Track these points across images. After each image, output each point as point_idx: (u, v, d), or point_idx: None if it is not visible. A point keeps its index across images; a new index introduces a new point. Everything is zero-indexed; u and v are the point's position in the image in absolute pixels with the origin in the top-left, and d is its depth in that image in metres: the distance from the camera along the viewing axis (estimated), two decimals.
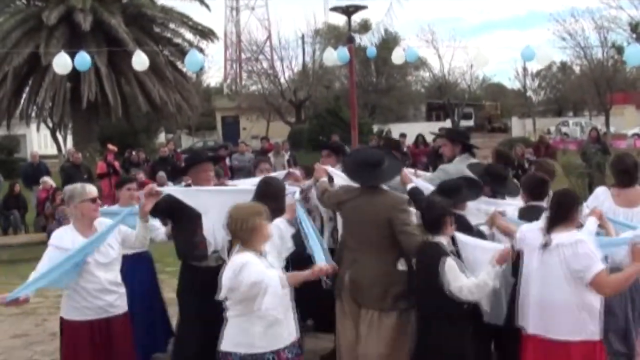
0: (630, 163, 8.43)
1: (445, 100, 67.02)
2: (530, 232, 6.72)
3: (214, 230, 7.80)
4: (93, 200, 7.46)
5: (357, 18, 43.31)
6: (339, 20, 54.74)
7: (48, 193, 21.04)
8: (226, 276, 6.03)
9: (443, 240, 6.85)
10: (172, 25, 42.48)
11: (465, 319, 6.78)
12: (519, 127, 69.13)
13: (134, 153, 27.63)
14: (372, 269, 7.38)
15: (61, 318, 7.60)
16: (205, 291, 7.12)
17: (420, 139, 27.41)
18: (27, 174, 25.39)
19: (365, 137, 32.84)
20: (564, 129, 62.46)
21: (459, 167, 8.96)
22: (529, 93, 76.91)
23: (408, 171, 8.87)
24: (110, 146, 25.81)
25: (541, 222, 6.66)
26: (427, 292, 6.79)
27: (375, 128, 48.58)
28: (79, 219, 7.41)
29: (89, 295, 7.33)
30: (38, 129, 45.70)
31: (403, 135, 28.75)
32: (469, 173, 8.61)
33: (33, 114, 41.09)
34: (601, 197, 8.35)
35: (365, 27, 53.31)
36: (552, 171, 8.96)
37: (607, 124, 57.59)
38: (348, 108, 28.81)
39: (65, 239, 7.38)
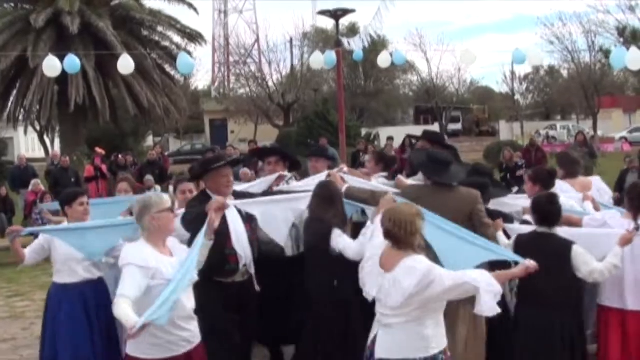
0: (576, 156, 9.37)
1: (434, 104, 67.13)
2: (613, 220, 7.48)
3: (242, 243, 7.63)
4: (171, 210, 6.40)
5: (345, 22, 43.38)
6: (327, 23, 54.98)
7: (36, 196, 20.96)
8: (410, 283, 5.51)
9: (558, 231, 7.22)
10: (160, 29, 42.53)
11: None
12: (506, 130, 69.24)
13: (120, 156, 27.55)
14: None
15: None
16: (231, 305, 7.35)
17: (407, 142, 27.38)
18: (15, 177, 25.29)
19: (353, 140, 32.81)
20: (551, 133, 62.62)
21: None
22: (517, 96, 77.11)
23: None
24: (97, 149, 25.76)
25: (615, 211, 7.76)
26: (550, 281, 6.89)
27: (364, 131, 48.55)
28: (155, 231, 6.20)
29: (174, 327, 6.04)
30: (26, 132, 45.58)
31: (390, 139, 28.70)
32: None
33: (21, 117, 41.01)
34: (564, 188, 8.75)
35: (353, 30, 53.35)
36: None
37: (594, 127, 57.79)
38: (336, 111, 28.84)
39: (147, 256, 6.04)
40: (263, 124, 59.81)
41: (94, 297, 7.97)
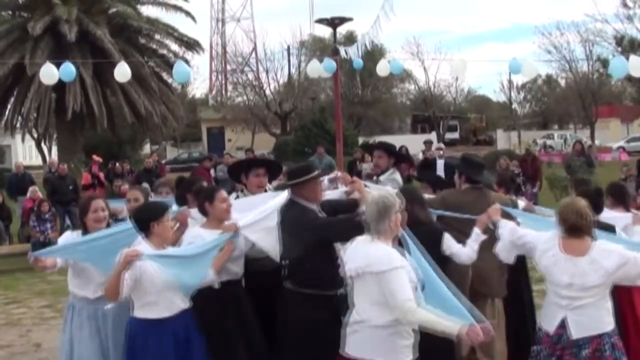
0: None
1: (431, 113, 67.28)
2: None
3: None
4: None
5: (342, 30, 43.47)
6: (325, 32, 54.97)
7: (34, 203, 20.95)
8: (611, 263, 6.25)
9: None
10: (157, 37, 42.52)
11: None
12: (504, 139, 69.35)
13: (117, 164, 27.54)
14: (492, 259, 7.46)
15: None
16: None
17: (403, 152, 27.37)
18: (12, 185, 25.28)
19: (350, 149, 32.84)
20: (548, 142, 62.71)
21: (390, 177, 9.41)
22: (514, 106, 77.23)
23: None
24: (95, 157, 25.74)
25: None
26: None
27: (361, 140, 48.64)
28: (392, 231, 6.03)
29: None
30: (23, 139, 45.66)
31: None
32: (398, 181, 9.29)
33: (18, 125, 41.00)
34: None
35: (350, 39, 53.36)
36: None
37: (592, 137, 57.88)
38: (333, 120, 28.84)
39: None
40: (260, 132, 59.91)
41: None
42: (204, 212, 7.40)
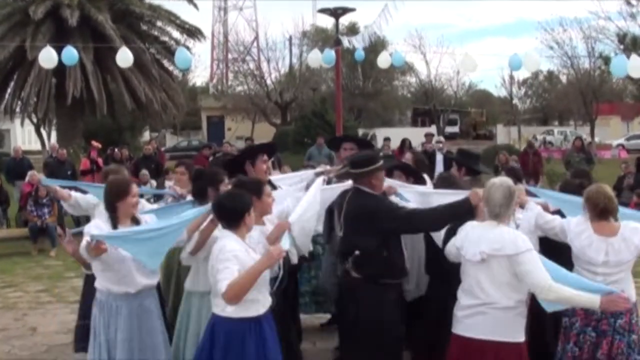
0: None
1: (431, 106, 67.21)
2: None
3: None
4: None
5: (344, 21, 43.40)
6: (327, 22, 55.02)
7: (32, 187, 20.89)
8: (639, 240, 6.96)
9: None
10: (159, 24, 42.46)
11: None
12: (504, 134, 69.38)
13: (117, 150, 27.49)
14: None
15: None
16: None
17: (407, 144, 27.34)
18: (10, 169, 25.22)
19: None
20: (548, 138, 62.71)
21: None
22: (515, 101, 77.17)
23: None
24: (94, 143, 25.67)
25: None
26: None
27: (361, 132, 48.64)
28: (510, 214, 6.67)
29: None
30: (22, 124, 45.49)
31: (387, 140, 28.67)
32: None
33: (18, 109, 40.93)
34: None
35: (353, 30, 53.35)
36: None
37: (592, 134, 57.82)
38: (334, 111, 28.82)
39: None
40: (260, 122, 59.90)
41: None
42: None
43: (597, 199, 6.90)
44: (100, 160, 24.57)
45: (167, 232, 6.61)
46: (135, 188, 7.05)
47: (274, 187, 8.16)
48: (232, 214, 6.26)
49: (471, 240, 6.27)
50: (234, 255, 5.93)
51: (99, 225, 6.79)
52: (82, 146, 36.38)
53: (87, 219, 8.75)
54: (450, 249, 6.66)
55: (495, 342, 6.11)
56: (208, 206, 6.76)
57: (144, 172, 22.04)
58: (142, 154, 27.01)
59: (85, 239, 6.38)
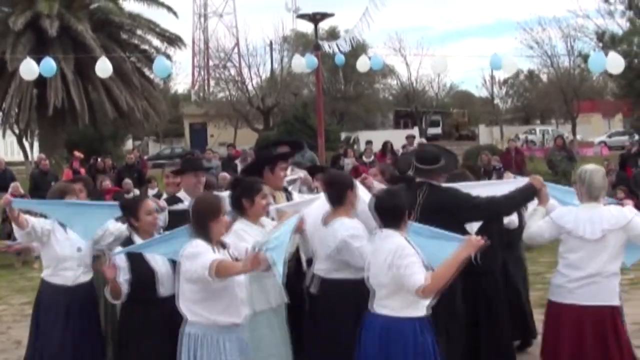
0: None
1: (413, 108, 67.30)
2: None
3: None
4: None
5: (324, 25, 43.51)
6: (307, 27, 54.96)
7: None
8: None
9: None
10: (139, 32, 42.51)
11: None
12: (486, 134, 69.38)
13: (99, 160, 27.48)
14: None
15: None
16: None
17: (388, 147, 27.42)
18: None
19: (333, 144, 32.91)
20: (530, 137, 62.84)
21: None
22: (497, 101, 77.22)
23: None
24: (76, 153, 25.67)
25: None
26: None
27: (343, 135, 48.67)
28: None
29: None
30: (4, 135, 45.34)
31: (369, 143, 28.74)
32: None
33: None
34: None
35: (333, 34, 53.45)
36: None
37: (573, 132, 57.98)
38: (316, 115, 28.91)
39: None
40: (243, 127, 59.78)
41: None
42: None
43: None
44: (82, 170, 24.53)
45: None
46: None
47: (289, 194, 8.31)
48: (394, 212, 6.26)
49: (586, 221, 6.84)
50: (413, 252, 6.06)
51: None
52: (65, 156, 36.32)
53: None
54: (540, 232, 7.13)
55: (609, 307, 6.83)
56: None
57: (127, 181, 22.05)
58: (124, 162, 27.02)
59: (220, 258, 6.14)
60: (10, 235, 19.96)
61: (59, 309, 7.61)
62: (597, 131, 66.39)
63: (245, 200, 7.03)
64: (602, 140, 58.02)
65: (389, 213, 6.24)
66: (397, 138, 35.32)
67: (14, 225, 7.55)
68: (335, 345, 6.89)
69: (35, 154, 40.97)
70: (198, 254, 6.09)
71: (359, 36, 22.54)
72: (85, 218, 7.67)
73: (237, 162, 23.44)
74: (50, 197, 7.98)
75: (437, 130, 73.54)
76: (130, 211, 7.27)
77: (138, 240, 7.09)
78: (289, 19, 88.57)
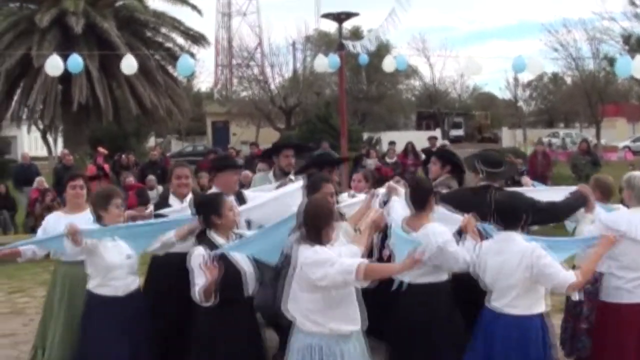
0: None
1: (436, 109, 67.22)
2: None
3: None
4: None
5: (348, 25, 43.45)
6: (331, 27, 54.95)
7: (39, 193, 21.05)
8: None
9: None
10: (163, 30, 42.65)
11: None
12: (509, 137, 69.19)
13: (123, 156, 27.63)
14: None
15: None
16: None
17: (409, 148, 27.38)
18: (18, 175, 25.39)
19: (355, 144, 32.88)
20: (553, 140, 62.58)
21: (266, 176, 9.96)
22: (520, 103, 76.96)
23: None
24: (100, 149, 25.85)
25: None
26: None
27: (365, 136, 48.62)
28: None
29: None
30: (29, 130, 45.66)
31: (392, 144, 28.72)
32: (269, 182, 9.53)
33: (24, 116, 41.11)
34: None
35: (356, 34, 53.39)
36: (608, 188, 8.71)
37: (597, 135, 57.65)
38: (338, 115, 28.92)
39: None
40: (265, 126, 59.82)
41: None
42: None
43: None
44: (106, 167, 24.73)
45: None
46: None
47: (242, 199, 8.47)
48: (515, 213, 6.66)
49: (638, 223, 7.23)
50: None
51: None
52: (89, 152, 36.52)
53: None
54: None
55: None
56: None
57: (151, 177, 22.20)
58: (148, 159, 27.16)
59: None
60: (34, 229, 20.17)
61: (112, 322, 7.34)
62: (622, 135, 65.96)
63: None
64: (626, 145, 57.67)
65: (510, 215, 6.58)
66: (419, 139, 35.33)
67: (66, 241, 7.23)
68: (428, 348, 7.05)
69: (59, 149, 41.20)
70: (326, 260, 5.99)
71: (382, 36, 22.51)
72: (148, 235, 7.66)
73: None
74: (96, 202, 7.71)
75: (460, 132, 73.35)
76: (211, 208, 7.06)
77: (218, 239, 6.94)
78: (312, 19, 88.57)
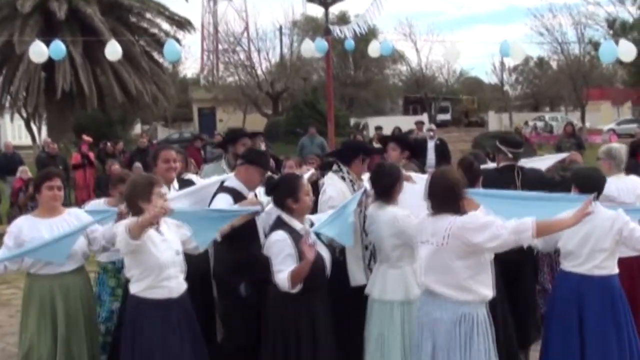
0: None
1: (423, 94, 67.10)
2: None
3: None
4: None
5: (334, 10, 43.33)
6: (317, 12, 54.86)
7: (23, 182, 20.82)
8: None
9: None
10: (148, 15, 42.38)
11: None
12: (495, 121, 69.25)
13: (109, 144, 27.41)
14: None
15: None
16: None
17: (396, 132, 27.24)
18: (1, 165, 25.11)
19: (342, 129, 32.78)
20: (539, 124, 62.63)
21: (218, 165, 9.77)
22: (506, 87, 77.16)
23: None
24: (84, 137, 25.61)
25: None
26: None
27: (352, 121, 48.56)
28: None
29: None
30: (12, 119, 45.37)
31: (379, 129, 28.59)
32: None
33: (7, 104, 40.81)
34: None
35: (343, 19, 53.20)
36: None
37: (582, 119, 57.82)
38: (325, 100, 28.78)
39: None
40: (252, 112, 59.67)
41: None
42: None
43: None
44: (91, 155, 24.52)
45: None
46: None
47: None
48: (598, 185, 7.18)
49: (621, 188, 8.17)
50: None
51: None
52: (73, 140, 36.27)
53: None
54: None
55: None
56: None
57: (137, 164, 21.97)
58: (136, 147, 26.96)
59: None
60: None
61: (168, 329, 6.46)
62: (606, 119, 66.05)
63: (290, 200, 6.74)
64: (611, 128, 57.65)
65: (591, 185, 6.99)
66: (406, 124, 35.18)
67: (121, 234, 6.17)
68: None
69: (43, 138, 40.94)
70: (489, 223, 6.06)
71: (369, 21, 22.38)
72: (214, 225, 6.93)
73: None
74: (134, 193, 6.60)
75: (447, 117, 73.24)
76: (288, 191, 6.70)
77: (295, 223, 6.64)
78: (299, 3, 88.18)
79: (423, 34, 64.73)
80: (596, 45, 52.21)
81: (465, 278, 6.09)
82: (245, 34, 65.25)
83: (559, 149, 24.99)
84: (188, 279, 6.71)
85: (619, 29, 52.57)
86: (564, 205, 6.75)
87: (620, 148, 8.72)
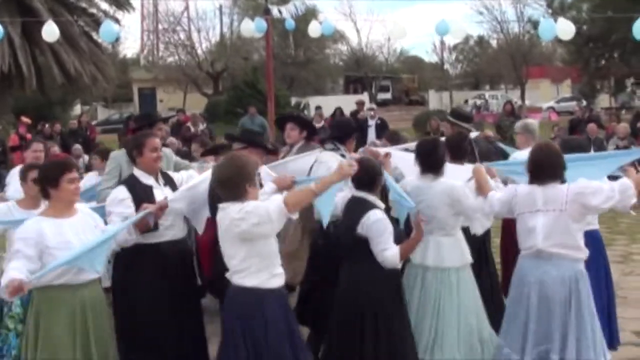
0: None
1: (363, 73, 67.35)
2: None
3: None
4: None
5: None
6: None
7: None
8: None
9: None
10: None
11: None
12: (435, 100, 69.80)
13: (47, 126, 27.20)
14: None
15: None
16: None
17: (338, 113, 27.41)
18: None
19: (283, 109, 32.80)
20: (479, 102, 63.26)
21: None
22: (446, 66, 77.79)
23: None
24: (23, 118, 25.44)
25: None
26: None
27: (293, 100, 48.62)
28: None
29: None
30: None
31: (319, 108, 28.72)
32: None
33: None
34: None
35: None
36: None
37: (522, 97, 58.53)
38: (265, 80, 28.85)
39: None
40: (192, 92, 59.55)
41: None
42: None
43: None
44: (29, 136, 24.33)
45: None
46: None
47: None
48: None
49: None
50: None
51: None
52: (12, 122, 35.88)
53: None
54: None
55: None
56: None
57: (77, 146, 21.90)
58: (68, 129, 26.82)
59: None
60: None
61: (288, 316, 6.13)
62: (546, 97, 66.96)
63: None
64: (550, 106, 58.55)
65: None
66: (347, 103, 35.35)
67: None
68: None
69: None
70: (599, 187, 6.73)
71: (308, 1, 22.50)
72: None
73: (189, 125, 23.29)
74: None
75: (387, 96, 73.66)
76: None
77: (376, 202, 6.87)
78: None
79: (363, 14, 64.84)
80: (535, 24, 52.79)
81: (580, 238, 6.80)
82: (186, 14, 65.01)
83: (498, 127, 25.41)
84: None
85: (557, 8, 53.14)
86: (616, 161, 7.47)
87: (535, 123, 9.44)
